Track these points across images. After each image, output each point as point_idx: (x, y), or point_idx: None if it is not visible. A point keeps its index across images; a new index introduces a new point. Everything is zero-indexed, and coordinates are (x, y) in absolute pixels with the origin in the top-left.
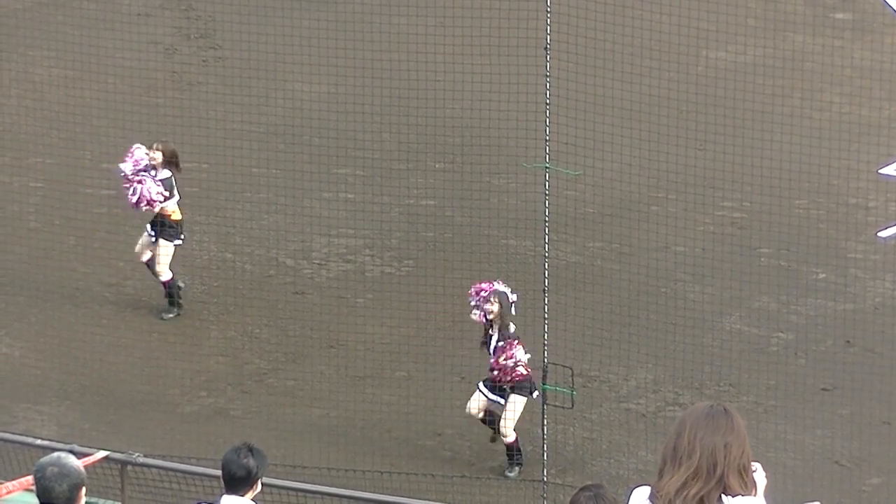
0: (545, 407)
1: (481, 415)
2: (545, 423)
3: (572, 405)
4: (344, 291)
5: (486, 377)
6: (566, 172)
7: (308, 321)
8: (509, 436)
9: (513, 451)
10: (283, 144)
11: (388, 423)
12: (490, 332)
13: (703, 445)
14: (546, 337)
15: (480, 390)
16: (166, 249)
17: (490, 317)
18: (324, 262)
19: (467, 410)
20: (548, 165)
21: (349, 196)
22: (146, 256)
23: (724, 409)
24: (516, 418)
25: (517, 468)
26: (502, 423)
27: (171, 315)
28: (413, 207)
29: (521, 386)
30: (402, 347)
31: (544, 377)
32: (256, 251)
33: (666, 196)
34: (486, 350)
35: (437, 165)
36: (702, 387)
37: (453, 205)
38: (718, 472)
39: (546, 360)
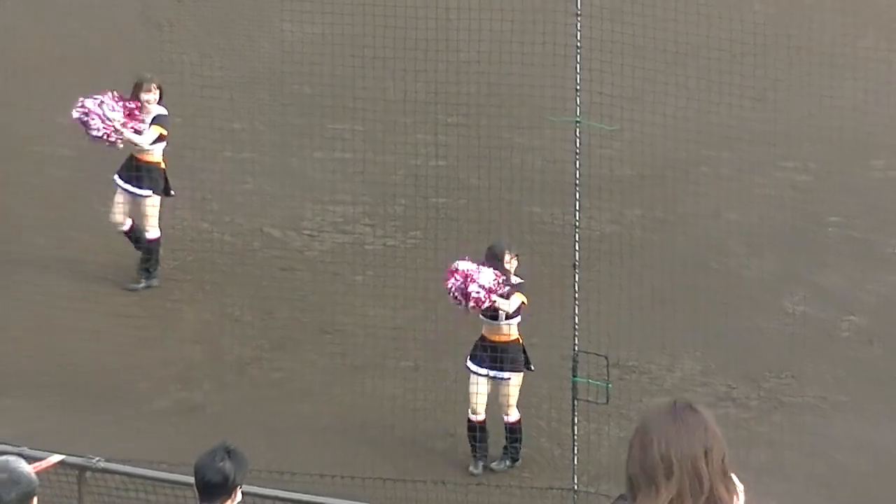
0: (576, 403)
1: (482, 419)
2: (576, 421)
3: (607, 400)
4: (340, 267)
5: (477, 353)
6: (600, 127)
7: (298, 302)
8: (513, 415)
9: (516, 431)
10: (269, 95)
11: (392, 421)
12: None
13: (680, 459)
14: (577, 320)
15: (479, 374)
16: (153, 201)
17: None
18: (316, 233)
19: (473, 409)
20: (578, 119)
21: (346, 156)
22: (128, 223)
23: (689, 406)
24: (517, 395)
25: (512, 458)
26: (503, 401)
27: (139, 286)
28: (420, 169)
29: (514, 359)
30: (407, 333)
31: (574, 368)
32: (237, 220)
33: (717, 154)
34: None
35: (448, 119)
36: (759, 379)
37: (468, 166)
38: (706, 486)
39: (576, 347)
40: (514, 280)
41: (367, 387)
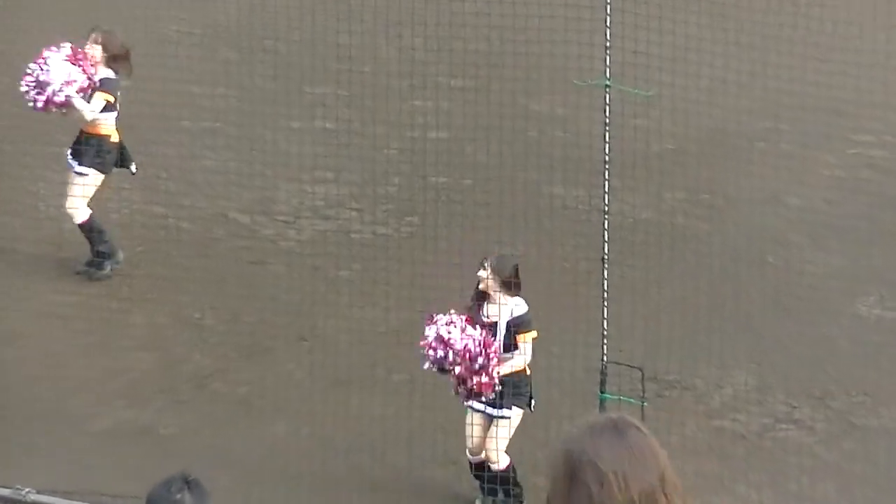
0: None
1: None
2: None
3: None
4: (321, 260)
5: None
6: (634, 93)
7: (270, 302)
8: (501, 461)
9: (508, 481)
10: (236, 52)
11: (383, 445)
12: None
13: (640, 496)
14: (605, 325)
15: (476, 409)
16: (89, 180)
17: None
18: (292, 220)
19: (470, 448)
20: (608, 83)
21: (328, 126)
22: (86, 213)
23: (629, 424)
24: (510, 437)
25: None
26: (489, 443)
27: (105, 271)
28: (418, 142)
29: (517, 391)
30: (402, 339)
31: (603, 382)
32: (197, 203)
33: (775, 126)
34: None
35: (452, 82)
36: (825, 396)
37: (475, 138)
38: None
39: (605, 357)
40: (517, 308)
41: (353, 404)
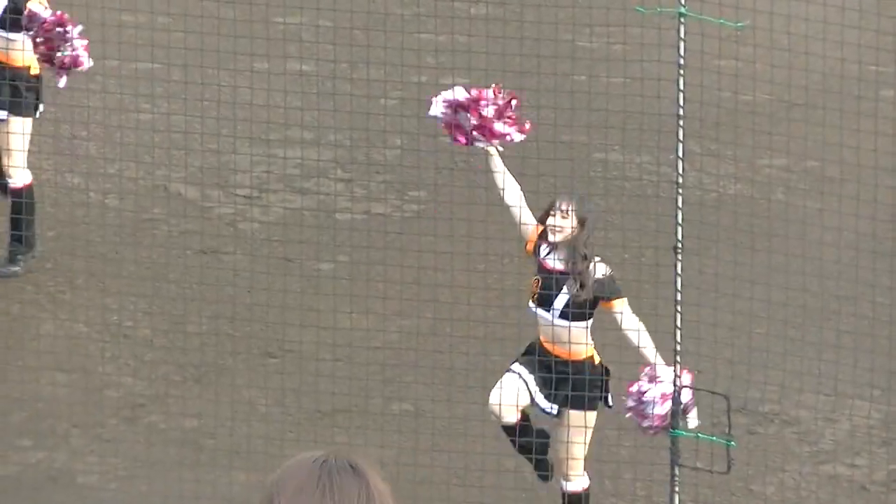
0: (677, 472)
1: (514, 420)
2: (677, 501)
3: (728, 468)
4: (295, 249)
5: (530, 354)
6: (719, 24)
7: (226, 305)
8: (575, 480)
9: None
10: None
11: None
12: (548, 260)
13: None
14: (678, 337)
15: (524, 378)
16: (21, 126)
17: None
18: (256, 194)
19: (493, 409)
20: (684, 10)
21: (304, 68)
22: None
23: (348, 470)
24: (587, 447)
25: None
26: (561, 453)
27: (15, 269)
28: (426, 88)
29: (590, 388)
30: (403, 356)
31: (675, 415)
32: (128, 172)
33: None
34: (542, 306)
35: (472, 10)
36: None
37: (504, 85)
38: None
39: (678, 381)
40: (598, 267)
41: (338, 444)
